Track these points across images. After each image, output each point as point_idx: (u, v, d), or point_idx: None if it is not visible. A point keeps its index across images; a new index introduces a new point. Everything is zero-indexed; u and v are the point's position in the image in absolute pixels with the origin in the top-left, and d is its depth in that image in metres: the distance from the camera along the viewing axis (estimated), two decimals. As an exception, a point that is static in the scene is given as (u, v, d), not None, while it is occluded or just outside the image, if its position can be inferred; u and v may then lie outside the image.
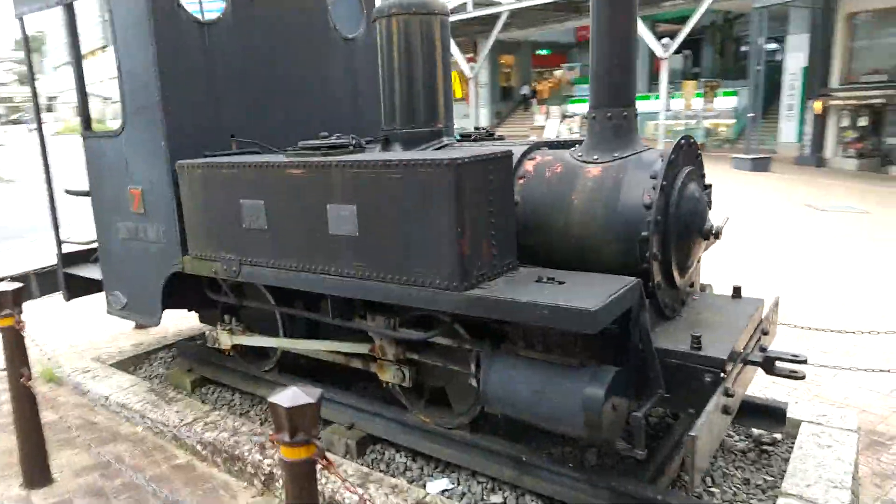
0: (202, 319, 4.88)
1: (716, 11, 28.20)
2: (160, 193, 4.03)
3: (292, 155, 3.39)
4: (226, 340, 4.34)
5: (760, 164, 23.85)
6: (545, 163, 3.33)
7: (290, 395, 2.11)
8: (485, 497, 3.29)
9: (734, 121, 30.52)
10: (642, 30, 24.07)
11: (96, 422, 4.33)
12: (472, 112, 32.33)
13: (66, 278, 5.10)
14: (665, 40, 24.18)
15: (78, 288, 5.16)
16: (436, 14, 3.75)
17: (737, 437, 3.77)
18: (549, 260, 3.18)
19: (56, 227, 5.03)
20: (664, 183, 2.92)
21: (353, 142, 3.45)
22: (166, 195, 3.98)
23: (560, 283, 2.76)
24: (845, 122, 25.42)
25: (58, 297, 5.33)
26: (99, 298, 5.22)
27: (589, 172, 3.14)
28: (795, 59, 26.04)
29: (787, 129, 27.06)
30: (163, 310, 4.27)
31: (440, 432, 3.50)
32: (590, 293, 2.59)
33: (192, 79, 4.01)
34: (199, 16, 4.13)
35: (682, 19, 25.18)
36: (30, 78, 5.00)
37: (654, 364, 2.77)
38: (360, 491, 3.06)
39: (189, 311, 4.78)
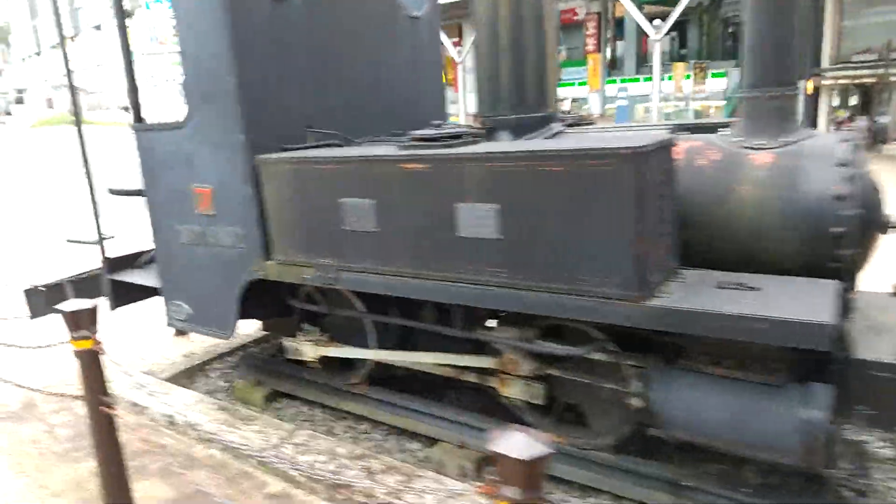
0: (267, 328, 4.47)
1: (701, -8, 27.90)
2: (236, 192, 3.59)
3: (408, 147, 3.00)
4: (310, 352, 3.93)
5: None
6: (696, 149, 2.98)
7: (523, 445, 1.73)
8: (636, 524, 2.97)
9: (724, 102, 30.48)
10: (633, 11, 23.79)
11: (165, 444, 3.91)
12: (461, 98, 31.86)
13: (112, 285, 4.63)
14: (657, 22, 23.92)
15: (124, 295, 4.71)
16: (548, -15, 3.36)
17: (878, 443, 3.50)
18: (703, 258, 2.84)
19: (99, 228, 4.55)
20: (858, 172, 2.59)
21: (471, 131, 3.06)
22: (244, 194, 3.55)
23: (752, 288, 2.43)
24: (836, 102, 25.51)
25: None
26: (138, 306, 4.79)
27: (756, 160, 2.80)
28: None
29: (780, 109, 26.90)
30: (237, 321, 3.85)
31: (575, 453, 3.16)
32: (803, 301, 2.26)
33: (269, 62, 3.57)
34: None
35: (665, 1, 24.81)
36: (66, 65, 4.48)
37: (858, 377, 2.46)
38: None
39: (257, 319, 4.36)
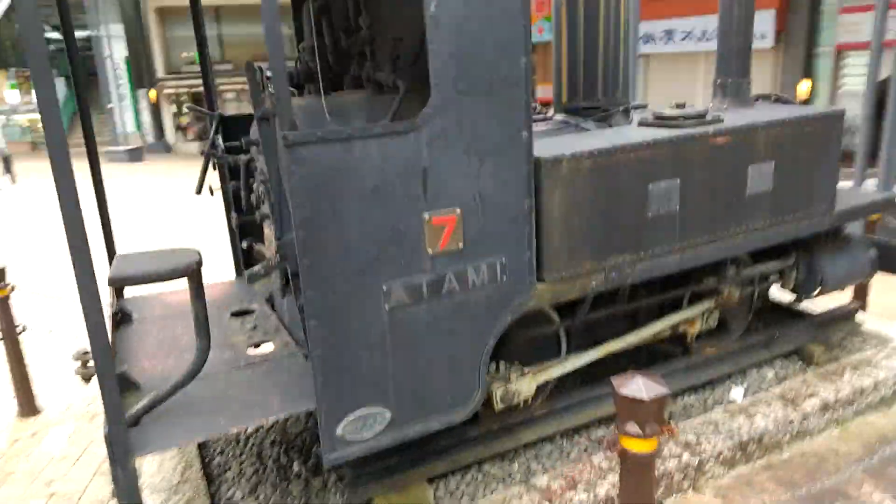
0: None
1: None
2: (504, 209, 2.71)
3: (701, 124, 3.24)
4: (528, 387, 3.25)
5: (135, 155, 23.76)
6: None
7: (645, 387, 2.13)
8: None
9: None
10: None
11: None
12: None
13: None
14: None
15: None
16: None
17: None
18: None
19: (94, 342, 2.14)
20: None
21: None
22: (519, 209, 2.74)
23: None
24: (175, 109, 27.65)
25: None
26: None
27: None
28: (116, 50, 26.06)
29: (126, 118, 27.15)
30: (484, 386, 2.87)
31: (728, 352, 4.13)
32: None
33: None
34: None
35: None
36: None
37: None
38: None
39: None
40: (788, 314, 4.74)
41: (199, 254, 2.57)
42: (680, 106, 3.44)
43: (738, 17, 4.16)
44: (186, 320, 3.56)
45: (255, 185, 3.32)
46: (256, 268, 2.76)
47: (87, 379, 3.35)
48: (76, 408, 4.60)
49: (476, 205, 2.64)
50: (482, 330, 2.80)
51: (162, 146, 27.62)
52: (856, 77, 15.32)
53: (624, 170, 3.01)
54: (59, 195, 2.02)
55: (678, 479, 3.33)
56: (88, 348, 3.32)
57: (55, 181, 2.00)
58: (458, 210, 2.61)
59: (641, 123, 3.46)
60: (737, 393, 4.10)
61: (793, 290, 4.19)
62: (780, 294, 4.65)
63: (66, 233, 2.04)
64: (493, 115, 2.59)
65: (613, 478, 3.19)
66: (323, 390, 2.51)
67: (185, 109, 24.93)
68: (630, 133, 3.30)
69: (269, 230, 3.38)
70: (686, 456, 3.37)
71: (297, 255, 2.37)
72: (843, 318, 4.66)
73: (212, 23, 26.62)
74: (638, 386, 2.02)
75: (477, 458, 3.39)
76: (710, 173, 3.27)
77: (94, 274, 2.10)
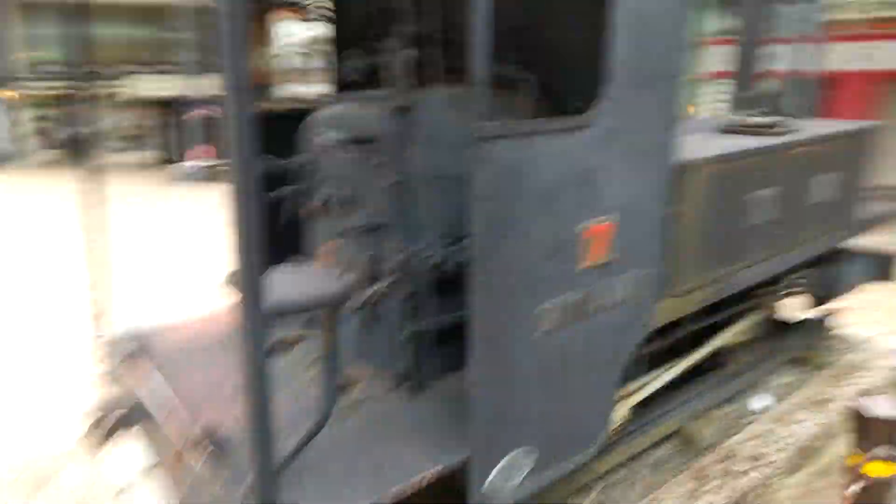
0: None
1: None
2: (647, 218, 2.51)
3: (786, 133, 3.24)
4: (623, 411, 3.04)
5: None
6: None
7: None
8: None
9: None
10: None
11: None
12: None
13: None
14: None
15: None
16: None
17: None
18: None
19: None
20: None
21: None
22: (659, 217, 2.55)
23: None
24: (38, 113, 25.09)
25: None
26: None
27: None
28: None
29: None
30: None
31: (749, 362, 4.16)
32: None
33: None
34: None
35: None
36: None
37: None
38: None
39: None
40: (775, 323, 4.89)
41: (342, 273, 2.11)
42: (764, 113, 3.45)
43: (757, 42, 4.32)
44: (215, 358, 2.96)
45: (324, 191, 2.86)
46: (377, 287, 2.34)
47: (100, 442, 2.68)
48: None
49: (628, 212, 2.41)
50: (618, 353, 2.57)
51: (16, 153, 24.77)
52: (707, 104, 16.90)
53: (740, 177, 2.92)
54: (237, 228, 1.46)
55: (751, 496, 3.27)
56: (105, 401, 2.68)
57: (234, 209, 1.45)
58: (614, 218, 2.37)
59: (726, 130, 3.41)
60: (760, 402, 4.13)
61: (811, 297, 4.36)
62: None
63: (239, 264, 1.48)
64: (654, 113, 2.40)
65: (708, 497, 3.08)
66: (480, 434, 2.14)
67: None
68: (724, 141, 3.22)
69: (338, 243, 2.92)
70: (756, 471, 3.33)
71: (474, 269, 2.00)
72: (822, 323, 4.87)
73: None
74: (888, 408, 1.88)
75: (562, 498, 3.11)
76: (796, 182, 3.28)
77: (262, 315, 1.58)
